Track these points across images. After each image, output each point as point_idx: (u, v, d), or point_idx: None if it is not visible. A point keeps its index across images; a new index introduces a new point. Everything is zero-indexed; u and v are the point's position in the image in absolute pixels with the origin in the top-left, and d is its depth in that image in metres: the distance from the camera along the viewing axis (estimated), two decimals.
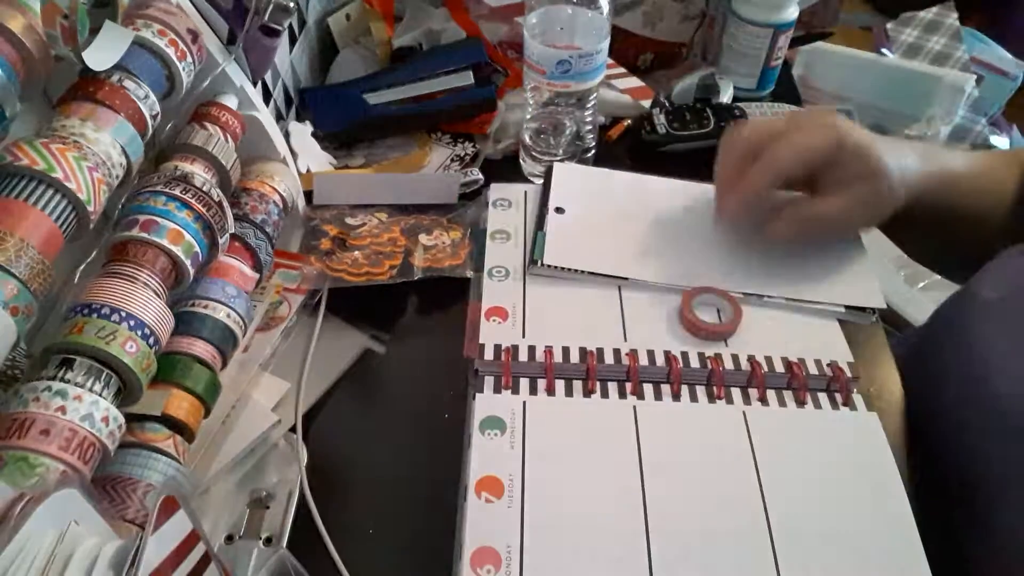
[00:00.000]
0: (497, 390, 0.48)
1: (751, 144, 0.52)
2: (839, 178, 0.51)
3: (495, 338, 0.50)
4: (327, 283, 0.57)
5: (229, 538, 0.44)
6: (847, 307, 0.53)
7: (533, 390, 0.48)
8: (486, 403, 0.47)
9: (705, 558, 0.40)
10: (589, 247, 0.56)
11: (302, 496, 0.46)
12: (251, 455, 0.48)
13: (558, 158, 0.67)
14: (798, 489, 0.43)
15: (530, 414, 0.46)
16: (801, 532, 0.41)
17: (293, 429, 0.50)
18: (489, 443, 0.45)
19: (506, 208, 0.61)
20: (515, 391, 0.48)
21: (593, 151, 0.68)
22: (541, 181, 0.64)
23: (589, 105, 0.64)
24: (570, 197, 0.60)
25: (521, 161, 0.69)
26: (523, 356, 0.49)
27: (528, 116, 0.66)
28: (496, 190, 0.62)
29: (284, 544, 0.44)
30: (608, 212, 0.59)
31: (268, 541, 0.44)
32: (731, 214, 0.54)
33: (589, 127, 0.66)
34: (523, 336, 0.50)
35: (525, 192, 0.62)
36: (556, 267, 0.54)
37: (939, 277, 1.05)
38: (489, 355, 0.49)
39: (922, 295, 1.03)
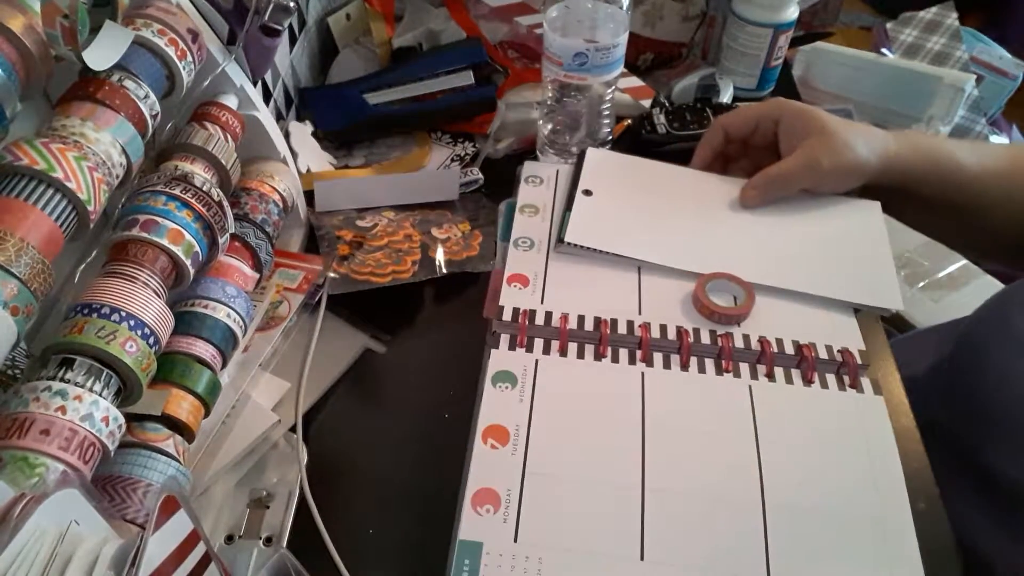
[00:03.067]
0: (512, 347, 0.49)
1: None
2: (790, 140, 0.57)
3: (514, 302, 0.52)
4: (354, 287, 0.57)
5: (229, 538, 0.44)
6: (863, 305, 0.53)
7: (546, 350, 0.49)
8: (500, 358, 0.48)
9: (695, 519, 0.41)
10: (612, 229, 0.57)
11: (302, 496, 0.46)
12: (251, 455, 0.48)
13: (574, 150, 0.67)
14: (795, 462, 0.44)
15: (541, 371, 0.48)
16: (793, 503, 0.42)
17: (293, 429, 0.50)
18: (500, 395, 0.46)
19: (537, 184, 0.62)
20: (529, 349, 0.49)
21: (609, 144, 0.68)
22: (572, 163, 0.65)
23: (607, 99, 0.64)
24: (600, 181, 0.61)
25: (538, 152, 0.69)
26: (539, 320, 0.50)
27: (546, 110, 0.66)
28: (529, 167, 0.64)
29: (284, 544, 0.44)
30: (635, 197, 0.60)
31: (268, 541, 0.44)
32: (695, 164, 0.62)
33: (606, 120, 0.66)
34: (541, 302, 0.52)
35: (557, 171, 0.63)
36: (578, 246, 0.55)
37: (939, 276, 1.05)
38: (507, 316, 0.50)
39: (922, 295, 1.03)
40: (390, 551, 0.45)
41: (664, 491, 0.42)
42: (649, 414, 0.46)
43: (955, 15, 1.39)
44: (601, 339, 0.50)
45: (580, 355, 0.49)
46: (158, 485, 0.40)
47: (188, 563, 0.32)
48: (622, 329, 0.50)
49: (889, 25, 1.41)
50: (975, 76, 1.27)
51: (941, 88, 1.25)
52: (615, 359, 0.49)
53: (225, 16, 0.52)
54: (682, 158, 0.71)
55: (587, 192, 0.59)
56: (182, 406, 0.43)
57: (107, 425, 0.37)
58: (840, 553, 0.41)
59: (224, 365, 0.48)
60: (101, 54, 0.42)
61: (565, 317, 0.50)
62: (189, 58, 0.48)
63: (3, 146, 0.38)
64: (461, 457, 0.46)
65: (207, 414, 0.46)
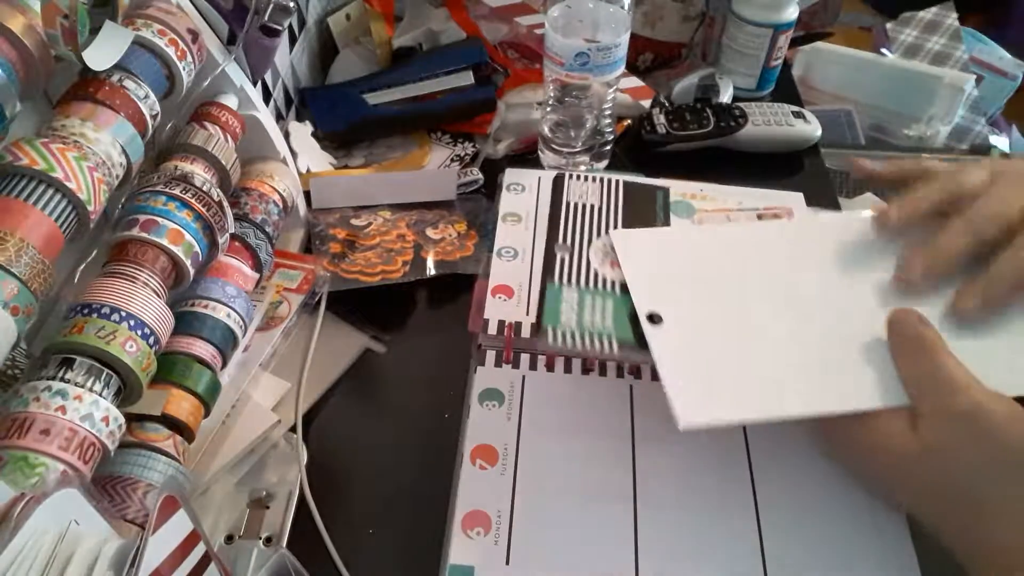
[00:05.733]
0: (498, 364, 0.49)
1: (946, 196, 0.45)
2: None
3: (499, 314, 0.51)
4: (343, 286, 0.57)
5: (229, 538, 0.44)
6: None
7: (533, 365, 0.49)
8: (486, 376, 0.48)
9: (691, 533, 0.41)
10: (730, 380, 0.42)
11: (302, 496, 0.46)
12: (251, 455, 0.48)
13: (576, 150, 0.67)
14: (787, 468, 0.44)
15: (528, 388, 0.48)
16: (787, 511, 0.42)
17: (293, 429, 0.50)
18: (487, 413, 0.46)
19: (519, 192, 0.61)
20: (515, 366, 0.49)
21: (611, 145, 0.68)
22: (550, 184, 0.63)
23: (608, 98, 0.64)
24: (657, 292, 0.47)
25: (540, 153, 0.69)
26: (525, 332, 0.50)
27: (548, 109, 0.66)
28: (511, 175, 0.63)
29: (284, 544, 0.44)
30: (716, 303, 0.46)
31: (268, 541, 0.44)
32: (917, 278, 0.44)
33: (608, 120, 0.66)
34: (527, 313, 0.51)
35: (539, 178, 0.63)
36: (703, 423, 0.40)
37: None
38: (492, 330, 0.50)
39: None
40: (390, 551, 0.45)
41: (656, 505, 0.42)
42: (639, 427, 0.46)
43: (955, 15, 1.39)
44: None
45: (567, 369, 0.49)
46: (158, 485, 0.40)
47: (188, 563, 0.32)
48: None
49: (889, 25, 1.41)
50: (975, 76, 1.27)
51: (941, 88, 1.25)
52: (603, 372, 0.49)
53: (225, 16, 0.52)
54: (682, 158, 0.72)
55: (654, 319, 0.45)
56: (182, 406, 0.43)
57: (107, 425, 0.37)
58: (836, 557, 0.40)
59: (224, 365, 0.48)
60: (101, 54, 0.42)
61: None
62: (189, 58, 0.48)
63: (3, 146, 0.38)
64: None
65: (207, 414, 0.46)
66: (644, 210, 0.58)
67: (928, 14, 1.41)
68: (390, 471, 0.49)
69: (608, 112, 0.65)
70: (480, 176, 0.68)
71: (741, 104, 0.73)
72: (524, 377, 0.48)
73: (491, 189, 0.66)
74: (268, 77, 0.65)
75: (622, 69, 0.62)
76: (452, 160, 0.72)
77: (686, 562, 0.40)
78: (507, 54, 0.79)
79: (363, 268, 0.57)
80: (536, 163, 0.69)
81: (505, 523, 0.41)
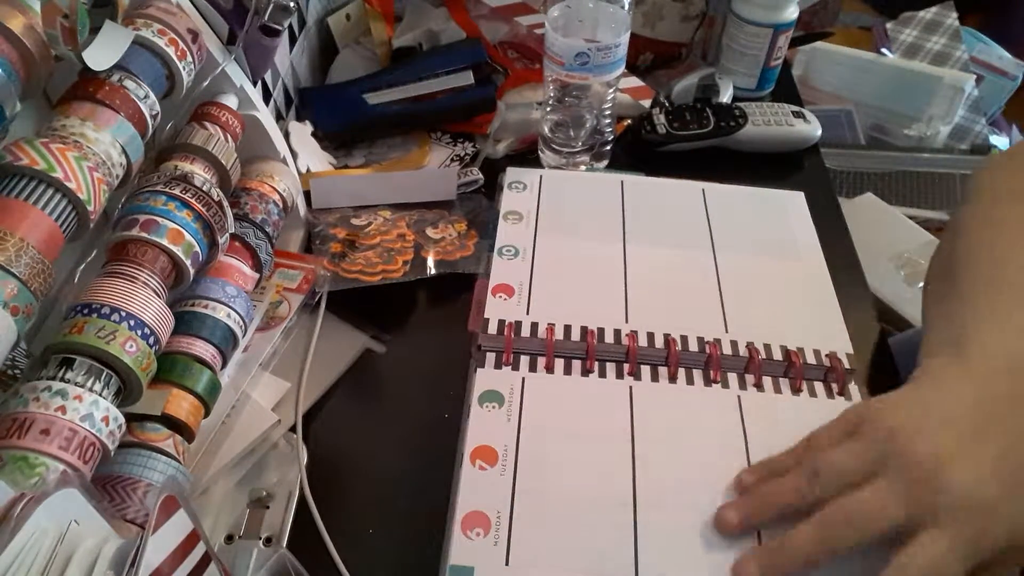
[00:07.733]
0: (498, 366, 0.49)
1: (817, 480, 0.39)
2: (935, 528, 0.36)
3: (499, 314, 0.51)
4: (343, 286, 0.57)
5: (229, 538, 0.44)
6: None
7: (533, 367, 0.49)
8: (486, 377, 0.48)
9: (689, 534, 0.41)
10: None
11: (302, 496, 0.46)
12: (251, 455, 0.48)
13: (576, 150, 0.67)
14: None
15: (528, 390, 0.48)
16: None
17: (293, 429, 0.50)
18: (487, 415, 0.46)
19: (520, 190, 0.62)
20: (515, 367, 0.49)
21: (611, 145, 0.68)
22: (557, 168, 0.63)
23: (608, 98, 0.64)
24: None
25: (540, 152, 0.69)
26: (525, 331, 0.50)
27: (548, 109, 0.66)
28: (512, 173, 0.63)
29: (284, 544, 0.44)
30: None
31: (268, 541, 0.44)
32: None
33: (608, 120, 0.66)
34: (527, 313, 0.51)
35: (540, 176, 0.63)
36: None
37: None
38: (492, 330, 0.50)
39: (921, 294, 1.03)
40: (390, 551, 0.45)
41: (656, 507, 0.42)
42: (638, 429, 0.46)
43: (955, 15, 1.39)
44: (588, 352, 0.49)
45: (567, 371, 0.49)
46: (158, 485, 0.40)
47: (188, 563, 0.32)
48: (609, 338, 0.50)
49: (889, 25, 1.42)
50: (975, 76, 1.28)
51: (941, 88, 1.25)
52: (602, 374, 0.49)
53: (225, 16, 0.52)
54: (682, 158, 0.72)
55: None
56: (182, 406, 0.43)
57: (107, 425, 0.37)
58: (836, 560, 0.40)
59: (224, 365, 0.48)
60: (101, 54, 0.42)
61: (551, 328, 0.50)
62: (189, 58, 0.48)
63: (3, 146, 0.38)
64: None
65: (207, 414, 0.46)
66: None
67: (928, 14, 1.41)
68: (390, 472, 0.49)
69: (608, 112, 0.65)
70: (480, 176, 0.68)
71: (741, 104, 0.73)
72: (524, 379, 0.48)
73: (491, 189, 0.66)
74: (268, 77, 0.65)
75: (622, 69, 0.62)
76: (452, 160, 0.72)
77: (686, 563, 0.40)
78: (507, 54, 0.79)
79: (363, 268, 0.57)
80: (536, 163, 0.70)
81: (505, 524, 0.41)
